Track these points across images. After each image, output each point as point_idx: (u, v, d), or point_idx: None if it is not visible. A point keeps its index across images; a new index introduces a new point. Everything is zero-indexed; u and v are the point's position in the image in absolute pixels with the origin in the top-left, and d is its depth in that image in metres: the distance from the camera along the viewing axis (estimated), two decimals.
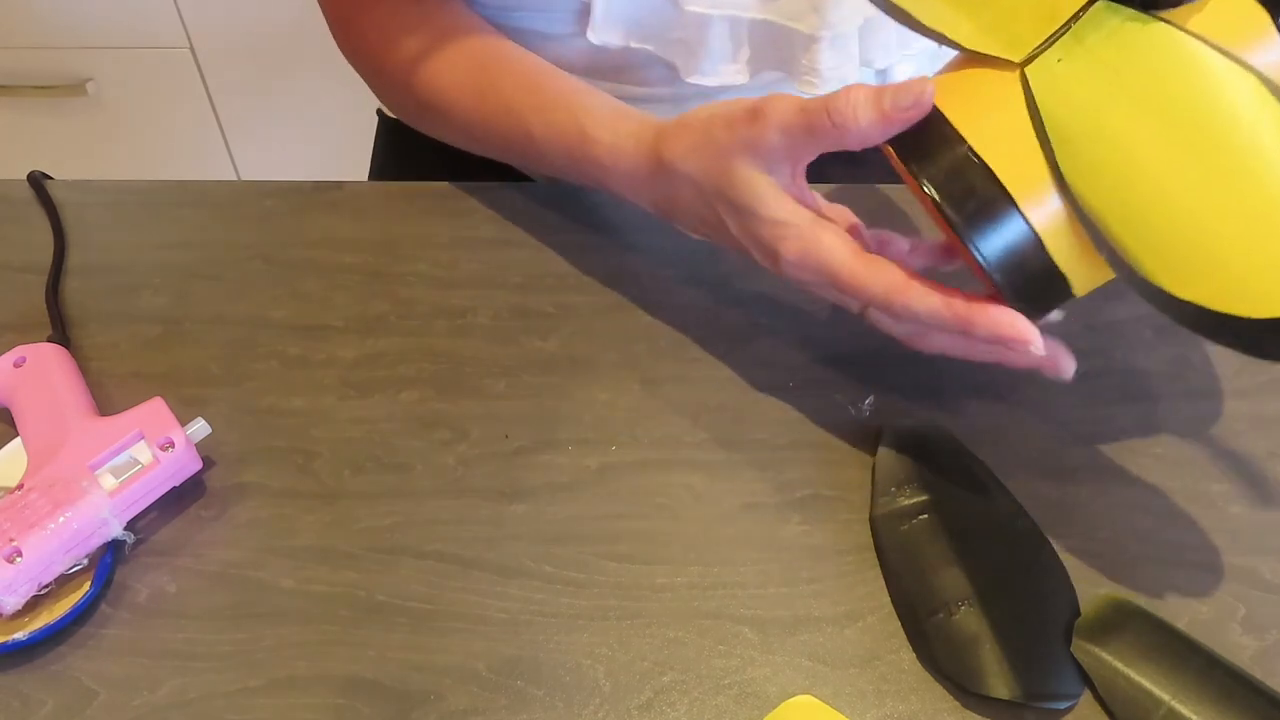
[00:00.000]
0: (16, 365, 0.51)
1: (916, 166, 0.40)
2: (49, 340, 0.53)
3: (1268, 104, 0.36)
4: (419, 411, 0.52)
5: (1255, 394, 0.53)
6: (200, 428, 0.48)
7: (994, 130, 0.40)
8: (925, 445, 0.49)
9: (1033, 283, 0.41)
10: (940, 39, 0.40)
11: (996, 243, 0.40)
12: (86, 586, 0.45)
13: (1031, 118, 0.39)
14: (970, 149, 0.39)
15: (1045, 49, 0.39)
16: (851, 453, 0.50)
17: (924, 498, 0.47)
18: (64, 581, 0.45)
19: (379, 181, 0.65)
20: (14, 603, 0.43)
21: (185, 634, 0.45)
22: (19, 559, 0.43)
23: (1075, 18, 0.38)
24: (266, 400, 0.53)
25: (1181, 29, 0.37)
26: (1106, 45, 0.38)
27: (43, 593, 0.44)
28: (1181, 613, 0.45)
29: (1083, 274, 0.41)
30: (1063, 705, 0.42)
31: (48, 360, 0.51)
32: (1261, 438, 0.51)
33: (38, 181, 0.63)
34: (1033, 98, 0.39)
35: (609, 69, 0.63)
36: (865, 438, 0.50)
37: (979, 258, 0.40)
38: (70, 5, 1.29)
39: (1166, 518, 0.48)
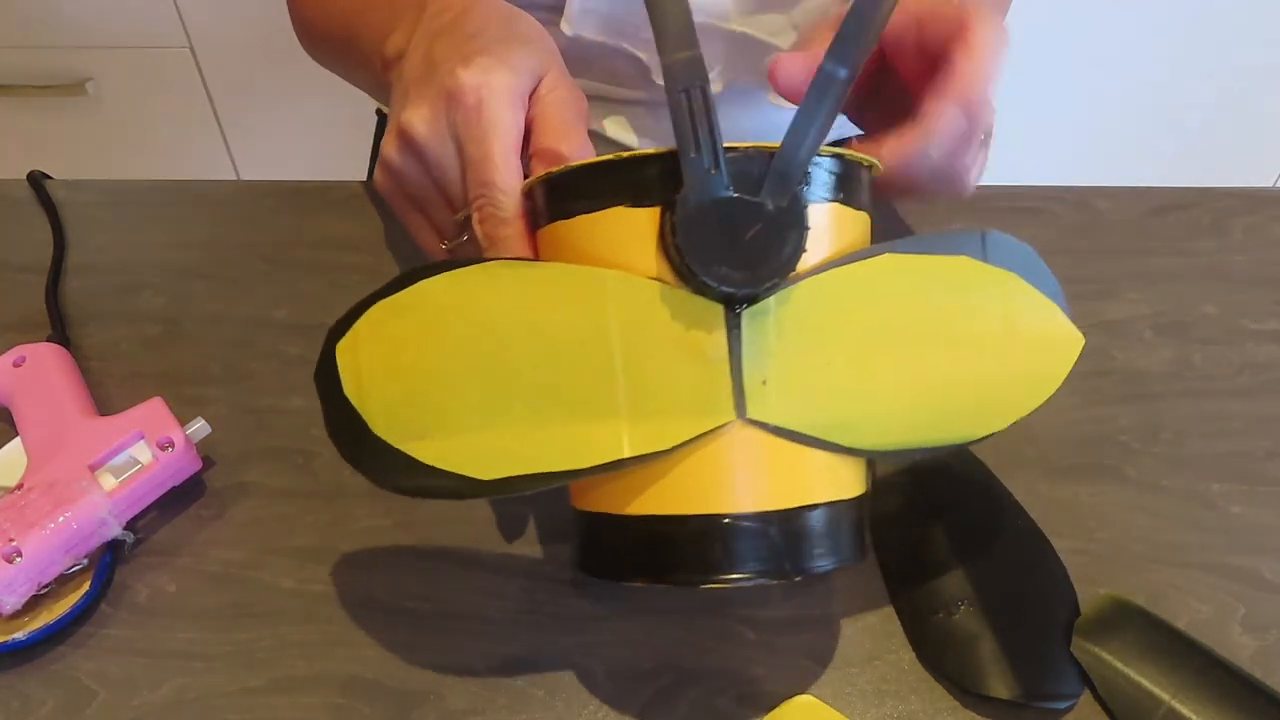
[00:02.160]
0: (16, 365, 0.51)
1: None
2: (49, 340, 0.53)
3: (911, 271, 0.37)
4: None
5: (1255, 394, 0.53)
6: (200, 428, 0.48)
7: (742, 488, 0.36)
8: None
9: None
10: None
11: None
12: (86, 586, 0.45)
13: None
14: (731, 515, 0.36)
15: (742, 394, 0.35)
16: None
17: (924, 498, 0.47)
18: (64, 581, 0.45)
19: None
20: (14, 602, 0.43)
21: (185, 634, 0.45)
22: (19, 559, 0.43)
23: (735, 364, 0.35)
24: (266, 400, 0.52)
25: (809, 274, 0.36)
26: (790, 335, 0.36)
27: (42, 592, 0.44)
28: (1181, 613, 0.45)
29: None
30: (1063, 705, 0.42)
31: (47, 360, 0.51)
32: (1261, 438, 0.51)
33: (37, 181, 0.63)
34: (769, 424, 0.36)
35: (579, 63, 0.63)
36: None
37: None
38: (70, 5, 1.29)
39: (1166, 518, 0.48)
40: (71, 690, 0.43)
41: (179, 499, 0.49)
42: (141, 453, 0.47)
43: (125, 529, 0.46)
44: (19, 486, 0.46)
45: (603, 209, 0.36)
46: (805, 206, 0.34)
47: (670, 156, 0.34)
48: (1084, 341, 0.41)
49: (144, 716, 0.42)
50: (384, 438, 0.36)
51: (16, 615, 0.44)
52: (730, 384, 0.35)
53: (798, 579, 0.37)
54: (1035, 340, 0.39)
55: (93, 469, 0.46)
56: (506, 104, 0.40)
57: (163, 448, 0.47)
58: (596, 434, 0.35)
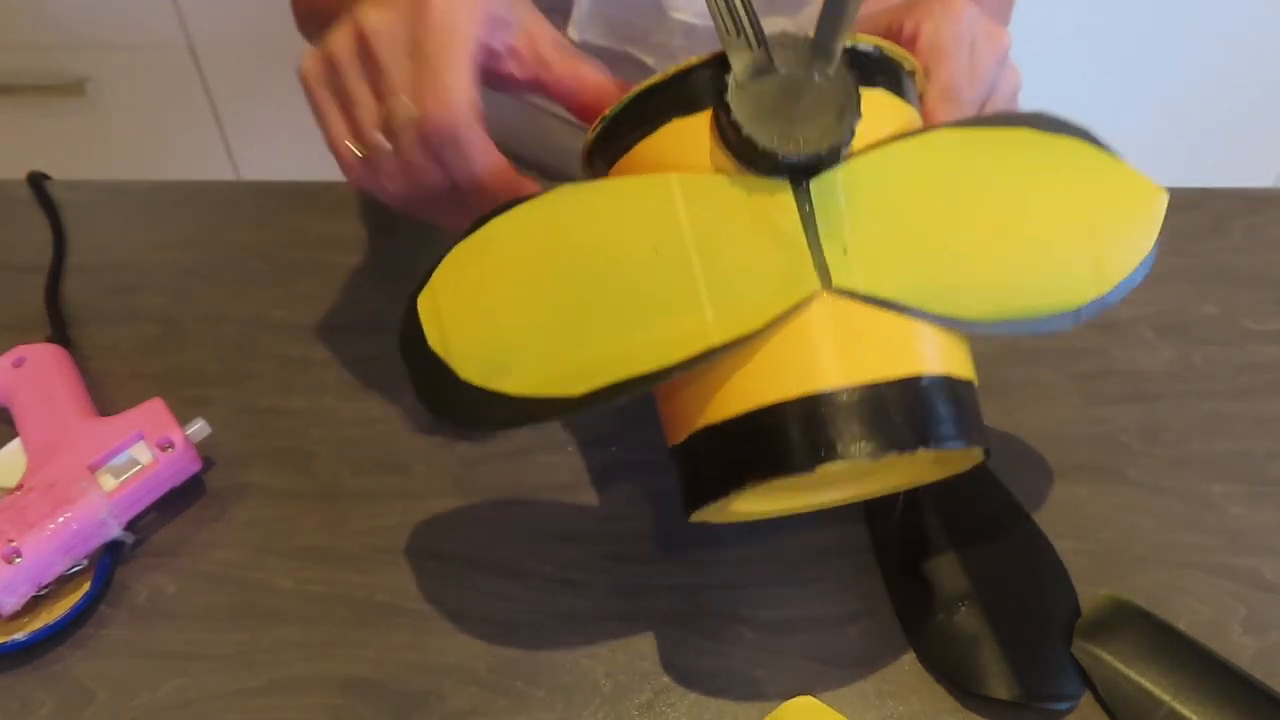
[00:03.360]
0: (16, 365, 0.50)
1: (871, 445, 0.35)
2: (48, 340, 0.53)
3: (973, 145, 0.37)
4: (419, 411, 0.52)
5: (1255, 394, 0.53)
6: (200, 428, 0.48)
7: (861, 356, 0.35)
8: None
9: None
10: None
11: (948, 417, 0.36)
12: (86, 587, 0.45)
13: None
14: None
15: (824, 258, 0.35)
16: None
17: (924, 498, 0.47)
18: (63, 582, 0.45)
19: None
20: (13, 603, 0.43)
21: (185, 634, 0.45)
22: (18, 559, 0.43)
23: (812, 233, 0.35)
24: (266, 400, 0.52)
25: (863, 152, 0.36)
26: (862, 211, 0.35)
27: (42, 593, 0.44)
28: (1181, 613, 0.45)
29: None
30: (1063, 705, 0.42)
31: (47, 360, 0.51)
32: (1261, 438, 0.51)
33: (37, 181, 0.63)
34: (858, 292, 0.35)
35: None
36: None
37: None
38: (68, 4, 1.29)
39: (1166, 518, 0.48)
40: (71, 691, 0.43)
41: (179, 499, 0.49)
42: (141, 453, 0.47)
43: (125, 529, 0.46)
44: (19, 487, 0.46)
45: (658, 128, 0.36)
46: (852, 77, 0.34)
47: (712, 61, 0.35)
48: (1166, 194, 0.39)
49: (143, 717, 0.42)
50: (471, 380, 0.36)
51: (16, 616, 0.44)
52: (810, 255, 0.34)
53: (921, 450, 0.34)
54: (1115, 198, 0.38)
55: (92, 469, 0.46)
56: (473, 22, 0.38)
57: (163, 448, 0.47)
58: (681, 330, 0.34)
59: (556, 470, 0.50)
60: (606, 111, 0.38)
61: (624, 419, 0.51)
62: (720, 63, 0.35)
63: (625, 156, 0.38)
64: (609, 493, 0.49)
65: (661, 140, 0.36)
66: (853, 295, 0.34)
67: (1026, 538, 0.46)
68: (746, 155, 0.34)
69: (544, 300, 0.35)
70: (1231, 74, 1.34)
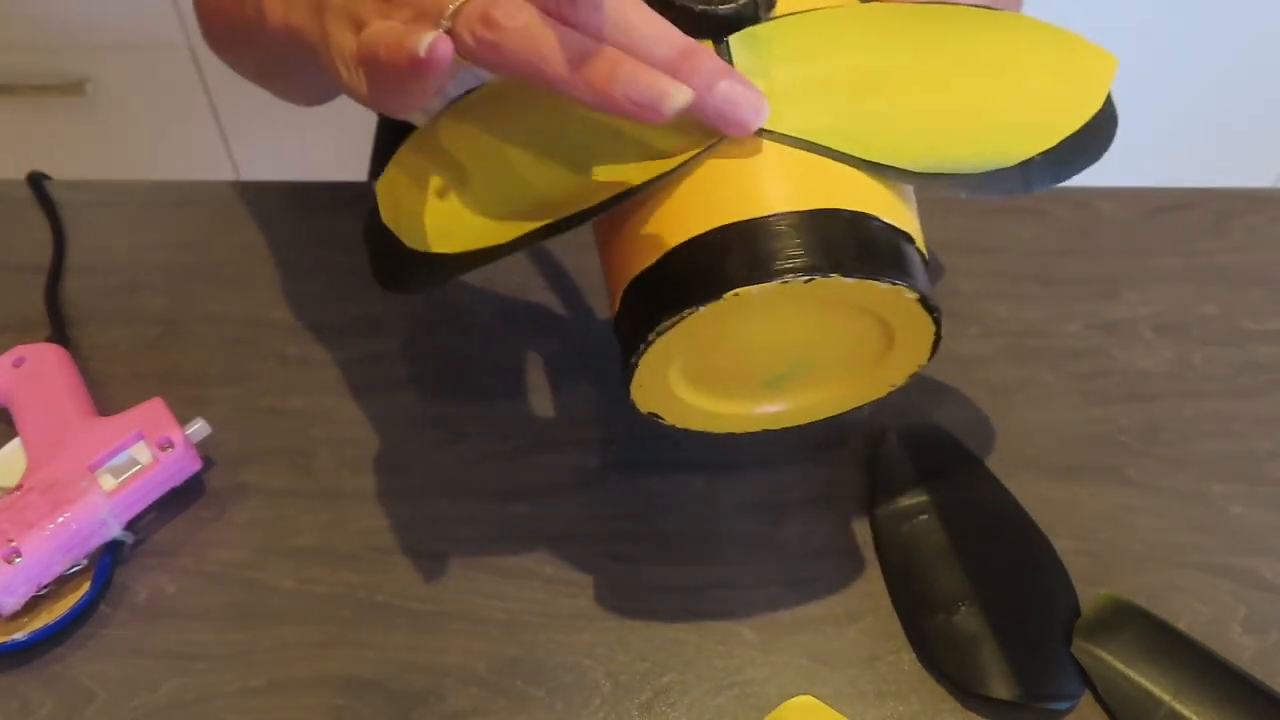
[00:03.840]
0: (16, 365, 0.50)
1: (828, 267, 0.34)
2: (48, 340, 0.53)
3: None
4: (419, 411, 0.52)
5: (1255, 394, 0.53)
6: (200, 428, 0.48)
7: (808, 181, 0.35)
8: (925, 445, 0.49)
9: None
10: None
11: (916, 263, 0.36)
12: (86, 587, 0.45)
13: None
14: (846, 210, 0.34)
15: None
16: (851, 453, 0.50)
17: (924, 498, 0.47)
18: (63, 582, 0.45)
19: None
20: (13, 603, 0.43)
21: (185, 634, 0.45)
22: (18, 559, 0.43)
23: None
24: (266, 400, 0.52)
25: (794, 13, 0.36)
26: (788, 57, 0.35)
27: (42, 593, 0.44)
28: (1181, 613, 0.45)
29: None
30: (1063, 705, 0.42)
31: (47, 360, 0.51)
32: (1261, 438, 0.51)
33: (37, 181, 0.63)
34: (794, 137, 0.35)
35: None
36: (865, 438, 0.50)
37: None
38: (68, 5, 1.29)
39: (1167, 518, 0.48)
40: (71, 691, 0.43)
41: (179, 499, 0.49)
42: (141, 453, 0.47)
43: (125, 529, 0.46)
44: (18, 487, 0.46)
45: None
46: None
47: None
48: (1118, 61, 0.38)
49: (143, 717, 0.42)
50: (414, 247, 0.38)
51: (16, 616, 0.44)
52: None
53: (857, 278, 0.33)
54: (1059, 60, 0.38)
55: (92, 469, 0.46)
56: None
57: (162, 448, 0.47)
58: (604, 175, 0.35)
59: (556, 470, 0.50)
60: None
61: (623, 419, 0.52)
62: None
63: None
64: (609, 493, 0.49)
65: None
66: (770, 135, 0.34)
67: (1026, 538, 0.46)
68: (667, 12, 0.33)
69: (479, 174, 0.37)
70: (1231, 74, 1.34)
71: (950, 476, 0.48)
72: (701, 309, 0.34)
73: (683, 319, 0.34)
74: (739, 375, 0.40)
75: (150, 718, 0.42)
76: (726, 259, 0.33)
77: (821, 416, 0.42)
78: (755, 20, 0.35)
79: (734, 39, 0.34)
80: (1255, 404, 0.52)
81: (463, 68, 0.34)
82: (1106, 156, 0.39)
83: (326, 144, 1.33)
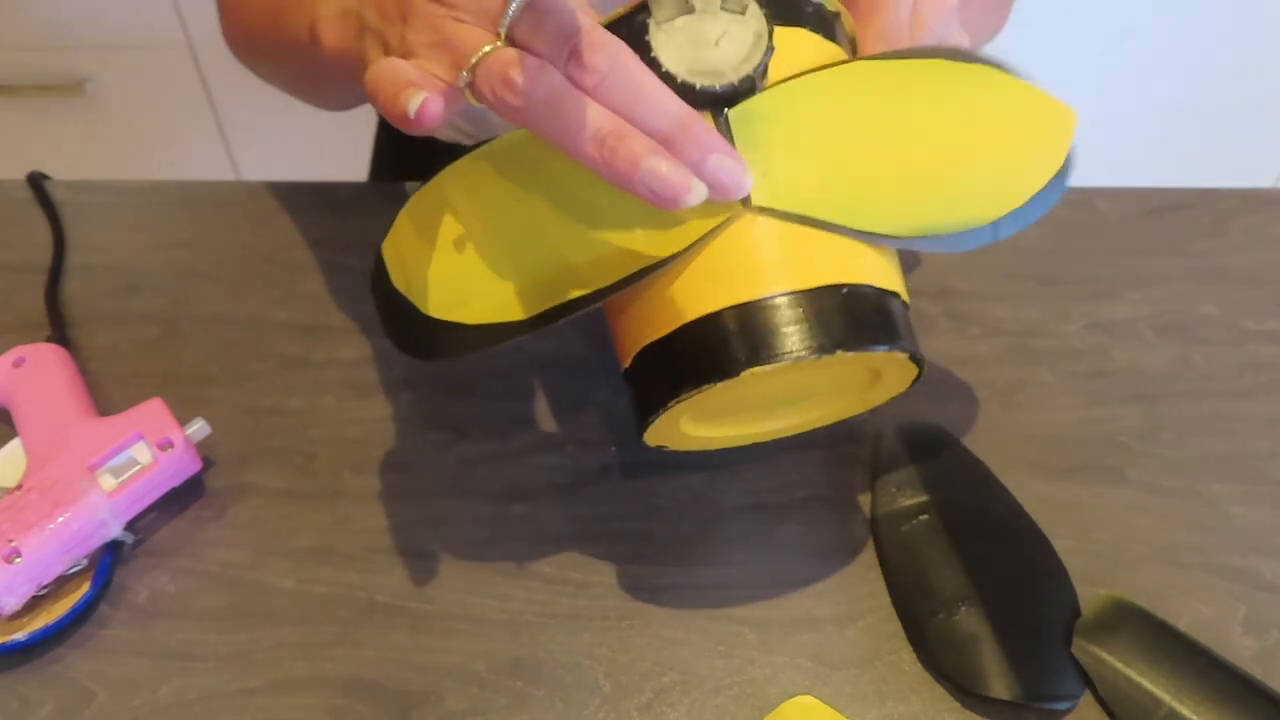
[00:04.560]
0: (16, 365, 0.50)
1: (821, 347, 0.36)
2: (48, 340, 0.53)
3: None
4: (419, 411, 0.52)
5: (1255, 394, 0.53)
6: (200, 428, 0.48)
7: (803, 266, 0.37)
8: (925, 445, 0.49)
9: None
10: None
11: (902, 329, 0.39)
12: (86, 587, 0.45)
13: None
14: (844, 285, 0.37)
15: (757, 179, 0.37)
16: (851, 453, 0.50)
17: (924, 498, 0.47)
18: (63, 582, 0.45)
19: (379, 181, 0.65)
20: (13, 603, 0.43)
21: (185, 634, 0.45)
22: (18, 559, 0.43)
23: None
24: (266, 400, 0.52)
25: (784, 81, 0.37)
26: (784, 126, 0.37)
27: (42, 593, 0.44)
28: (1181, 613, 0.45)
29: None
30: (1063, 705, 0.42)
31: (47, 360, 0.51)
32: (1261, 438, 0.51)
33: (37, 182, 0.63)
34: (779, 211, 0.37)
35: None
36: (865, 438, 0.50)
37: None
38: (68, 5, 1.29)
39: (1167, 518, 0.48)
40: (71, 691, 0.43)
41: (179, 499, 0.49)
42: (141, 453, 0.47)
43: (125, 529, 0.46)
44: (19, 487, 0.46)
45: None
46: (764, 12, 0.37)
47: (635, 8, 0.37)
48: (1076, 115, 0.41)
49: (144, 717, 0.42)
50: (431, 314, 0.39)
51: (16, 616, 0.44)
52: None
53: (840, 352, 0.36)
54: (1025, 118, 0.40)
55: (92, 469, 0.46)
56: None
57: (162, 448, 0.47)
58: (616, 252, 0.37)
59: (556, 470, 0.50)
60: None
61: (623, 419, 0.52)
62: (642, 8, 0.37)
63: None
64: (609, 493, 0.49)
65: None
66: (772, 213, 0.37)
67: (1026, 538, 0.46)
68: (669, 85, 0.36)
69: (489, 237, 0.38)
70: (1231, 74, 1.34)
71: (950, 476, 0.48)
72: (720, 384, 0.37)
73: (701, 392, 0.37)
74: (742, 418, 0.44)
75: (150, 718, 0.42)
76: (740, 339, 0.37)
77: (807, 430, 0.46)
78: (752, 93, 0.37)
79: (732, 114, 0.37)
80: (1255, 404, 0.52)
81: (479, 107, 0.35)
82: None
83: (326, 144, 1.33)
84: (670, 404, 0.38)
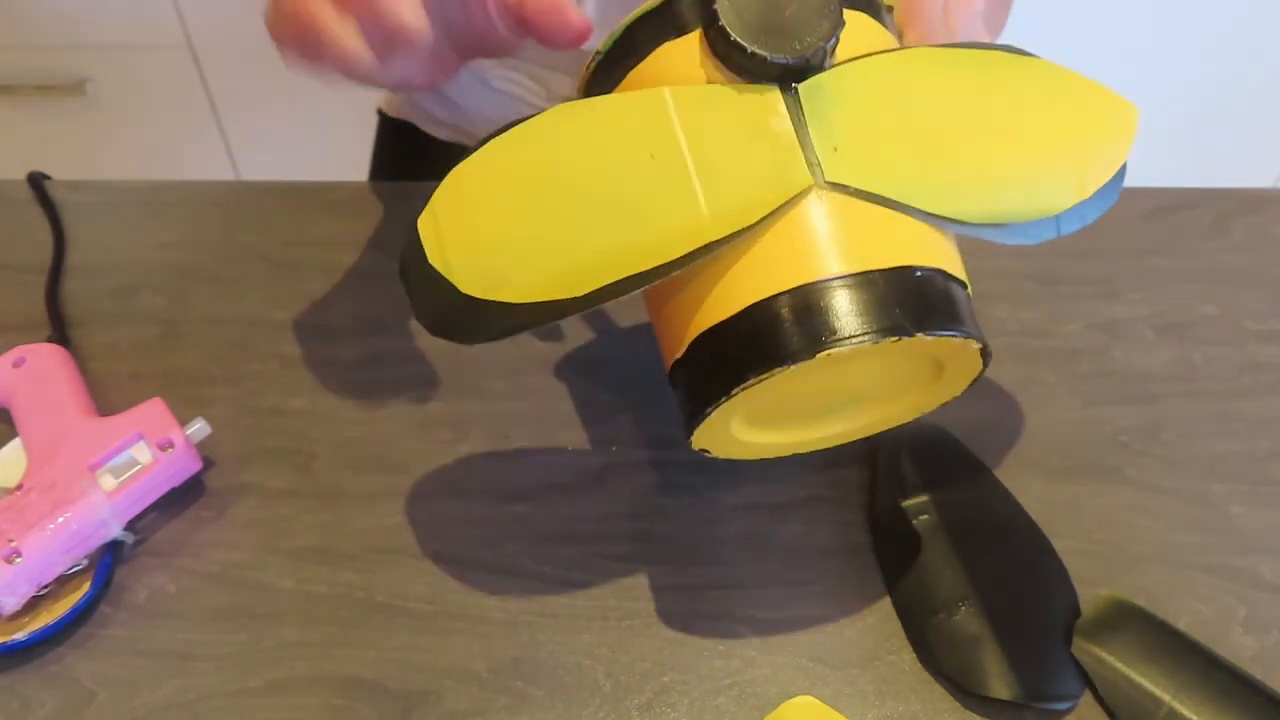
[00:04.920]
0: (16, 365, 0.50)
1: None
2: (48, 340, 0.53)
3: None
4: (419, 411, 0.52)
5: (1255, 394, 0.53)
6: (200, 428, 0.48)
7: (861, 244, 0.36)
8: (925, 445, 0.49)
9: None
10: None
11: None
12: (86, 587, 0.45)
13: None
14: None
15: (816, 159, 0.36)
16: (851, 453, 0.50)
17: (924, 498, 0.47)
18: (63, 582, 0.45)
19: (379, 181, 0.65)
20: (13, 603, 0.43)
21: (185, 634, 0.45)
22: (18, 559, 0.43)
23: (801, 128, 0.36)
24: (266, 400, 0.52)
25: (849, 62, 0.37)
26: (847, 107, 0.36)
27: (42, 593, 0.44)
28: (1181, 613, 0.45)
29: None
30: (1063, 706, 0.42)
31: (47, 360, 0.51)
32: (1261, 438, 0.51)
33: (37, 181, 0.63)
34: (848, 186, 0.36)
35: (575, 65, 0.62)
36: (865, 438, 0.50)
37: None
38: (68, 5, 1.29)
39: (1166, 518, 0.48)
40: (71, 691, 0.43)
41: (179, 499, 0.49)
42: (141, 453, 0.47)
43: (125, 529, 0.46)
44: (19, 487, 0.46)
45: (650, 53, 0.37)
46: None
47: None
48: (1138, 110, 0.40)
49: (144, 717, 0.42)
50: (472, 294, 0.36)
51: (16, 616, 0.44)
52: (802, 153, 0.35)
53: (920, 335, 0.34)
54: (1091, 110, 0.39)
55: (93, 469, 0.46)
56: None
57: (163, 448, 0.47)
58: (678, 227, 0.35)
59: (556, 470, 0.50)
60: (600, 46, 0.39)
61: (623, 419, 0.52)
62: None
63: (619, 86, 0.39)
64: (609, 493, 0.49)
65: (653, 64, 0.37)
66: (845, 189, 0.35)
67: (1026, 538, 0.46)
68: (737, 61, 0.35)
69: (541, 211, 0.36)
70: (1231, 74, 1.34)
71: (950, 476, 0.48)
72: (792, 366, 0.34)
73: (771, 375, 0.35)
74: (794, 414, 0.41)
75: (150, 718, 0.42)
76: (813, 319, 0.34)
77: (858, 438, 0.44)
78: (821, 68, 0.36)
79: (803, 87, 0.35)
80: (1255, 404, 0.52)
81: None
82: None
83: (326, 144, 1.33)
84: (734, 392, 0.35)
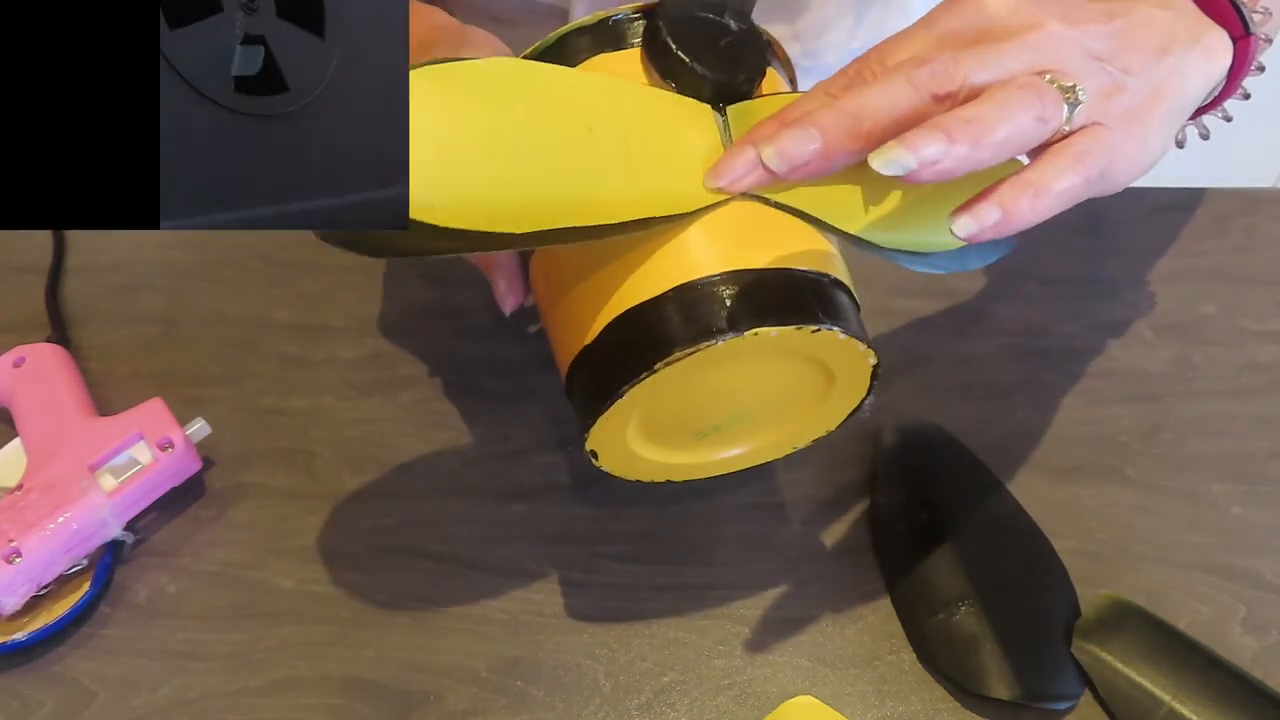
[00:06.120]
0: (16, 365, 0.50)
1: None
2: (48, 340, 0.53)
3: None
4: (419, 411, 0.52)
5: (1255, 394, 0.53)
6: (200, 428, 0.48)
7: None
8: (925, 445, 0.49)
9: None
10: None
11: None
12: (86, 587, 0.45)
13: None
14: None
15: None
16: (851, 453, 0.50)
17: (924, 498, 0.47)
18: (63, 582, 0.45)
19: None
20: (13, 603, 0.43)
21: (185, 634, 0.45)
22: (18, 559, 0.43)
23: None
24: (266, 400, 0.52)
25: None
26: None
27: (42, 593, 0.44)
28: (1181, 613, 0.45)
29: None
30: (1063, 705, 0.42)
31: (47, 360, 0.51)
32: (1261, 438, 0.51)
33: None
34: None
35: None
36: (865, 438, 0.50)
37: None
38: None
39: (1167, 518, 0.48)
40: (71, 691, 0.43)
41: (179, 499, 0.49)
42: (141, 453, 0.47)
43: (125, 529, 0.46)
44: (19, 487, 0.46)
45: (586, 60, 0.40)
46: (761, 34, 0.40)
47: (639, 11, 0.39)
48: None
49: (144, 717, 0.42)
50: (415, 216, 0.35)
51: (16, 616, 0.44)
52: None
53: (825, 329, 0.37)
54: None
55: (93, 469, 0.46)
56: None
57: (162, 448, 0.47)
58: (618, 197, 0.36)
59: (556, 470, 0.50)
60: (535, 46, 0.40)
61: None
62: (647, 14, 0.39)
63: None
64: (609, 493, 0.49)
65: (591, 68, 0.40)
66: (763, 200, 0.37)
67: (1026, 538, 0.46)
68: (676, 73, 0.38)
69: (498, 150, 0.36)
70: None
71: (950, 476, 0.48)
72: (719, 342, 0.36)
73: (697, 350, 0.36)
74: (692, 425, 0.42)
75: (150, 718, 0.42)
76: (677, 319, 0.37)
77: (768, 460, 0.44)
78: (749, 96, 0.39)
79: (731, 109, 0.38)
80: (1255, 404, 0.52)
81: None
82: None
83: None
84: (658, 366, 0.36)
